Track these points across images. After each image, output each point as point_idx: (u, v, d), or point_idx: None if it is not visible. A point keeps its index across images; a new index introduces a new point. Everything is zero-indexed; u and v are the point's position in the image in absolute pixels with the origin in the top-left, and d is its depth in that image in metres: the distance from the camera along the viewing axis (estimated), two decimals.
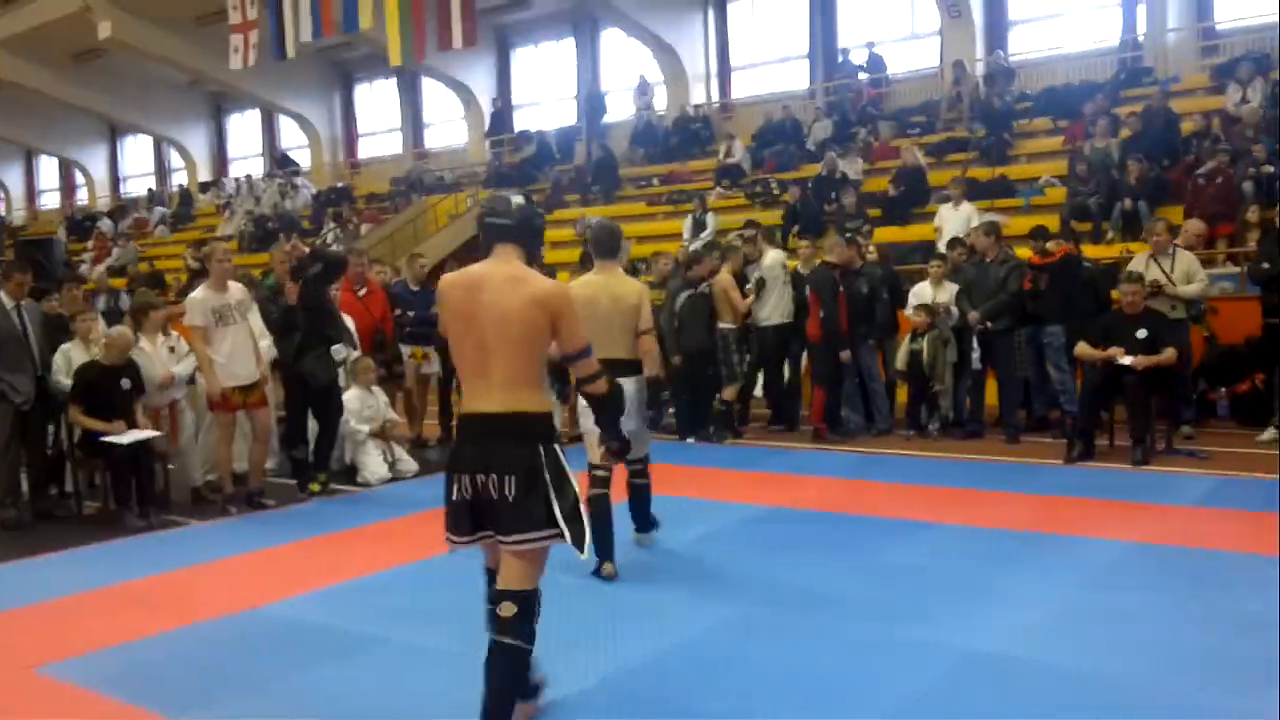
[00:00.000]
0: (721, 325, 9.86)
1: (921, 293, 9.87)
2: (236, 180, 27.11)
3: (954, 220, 12.11)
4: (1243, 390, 9.33)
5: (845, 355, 9.69)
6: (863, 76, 19.00)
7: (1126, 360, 8.10)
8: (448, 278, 3.85)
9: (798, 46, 21.06)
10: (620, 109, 22.22)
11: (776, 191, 16.26)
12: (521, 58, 25.11)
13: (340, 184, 25.56)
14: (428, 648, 4.84)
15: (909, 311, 9.82)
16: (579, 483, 3.68)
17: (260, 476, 8.21)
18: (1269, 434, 8.58)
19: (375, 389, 9.13)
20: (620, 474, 6.02)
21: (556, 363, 3.88)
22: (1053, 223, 11.91)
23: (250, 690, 4.46)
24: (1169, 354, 8.15)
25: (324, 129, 27.73)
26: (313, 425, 8.41)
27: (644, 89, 21.51)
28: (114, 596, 5.93)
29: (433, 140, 26.72)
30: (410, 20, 17.16)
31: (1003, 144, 15.44)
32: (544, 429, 3.59)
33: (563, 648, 4.63)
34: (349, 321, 9.06)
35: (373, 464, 8.80)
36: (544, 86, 24.56)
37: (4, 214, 33.36)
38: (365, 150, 28.18)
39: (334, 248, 14.89)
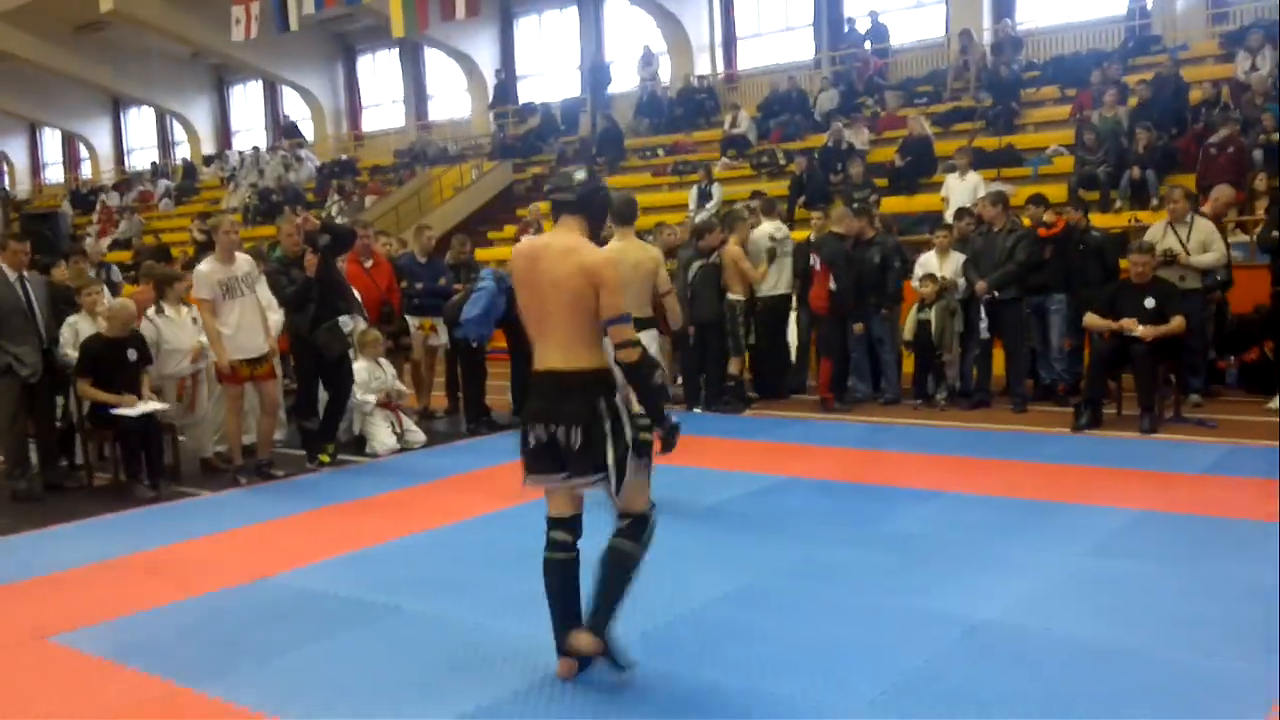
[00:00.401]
0: (730, 296, 9.83)
1: (927, 263, 9.84)
2: (240, 153, 27.05)
3: (960, 190, 12.06)
4: (1252, 359, 9.32)
5: (859, 327, 9.68)
6: (867, 46, 18.88)
7: (1136, 330, 8.09)
8: (516, 248, 4.27)
9: (803, 16, 20.93)
10: (625, 79, 22.12)
11: (783, 162, 16.21)
12: (525, 28, 24.97)
13: (344, 156, 25.50)
14: (440, 617, 4.87)
15: (915, 282, 9.80)
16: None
17: (269, 448, 8.23)
18: (1277, 402, 8.56)
19: (383, 360, 9.15)
20: None
21: None
22: (1060, 192, 11.91)
23: (263, 659, 4.48)
24: (1177, 323, 8.13)
25: (327, 101, 27.65)
26: (321, 395, 8.45)
27: (648, 59, 21.38)
28: (126, 567, 5.97)
29: (436, 112, 26.64)
30: None
31: (1010, 113, 15.35)
32: (603, 383, 3.94)
33: None
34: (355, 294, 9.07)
35: (381, 435, 8.82)
36: (548, 57, 24.44)
37: (8, 187, 33.35)
38: (368, 122, 28.10)
39: (339, 220, 14.92)
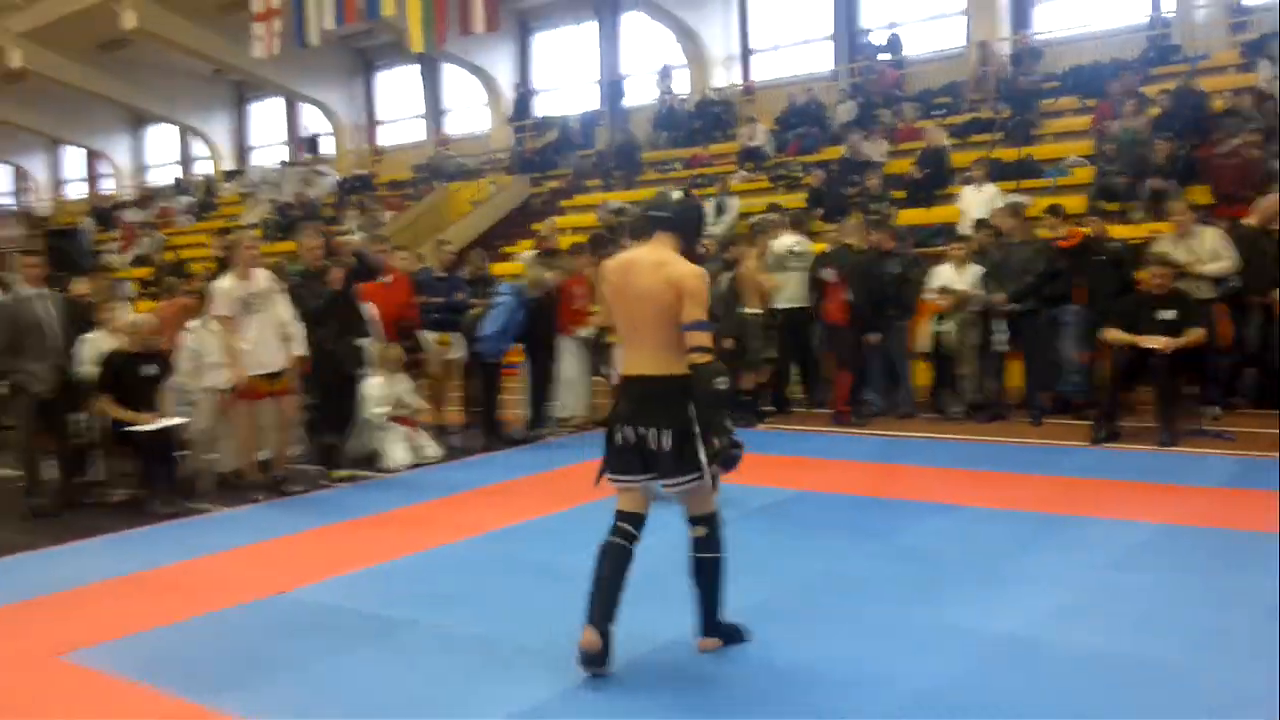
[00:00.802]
0: (744, 310, 9.78)
1: (943, 274, 9.80)
2: (260, 169, 27.20)
3: (977, 201, 12.02)
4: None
5: (875, 338, 9.64)
6: (885, 58, 18.85)
7: (1155, 344, 8.02)
8: (608, 262, 4.60)
9: (820, 28, 20.93)
10: (642, 93, 22.16)
11: (800, 175, 16.17)
12: (542, 42, 25.06)
13: (362, 171, 25.61)
14: (457, 632, 4.86)
15: (929, 295, 9.76)
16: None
17: (285, 463, 8.26)
18: None
19: (399, 375, 9.16)
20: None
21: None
22: (1079, 203, 11.85)
23: (280, 675, 4.49)
24: (1195, 334, 8.07)
25: (346, 116, 27.78)
26: None
27: (666, 73, 21.42)
28: (142, 582, 5.98)
29: (454, 127, 26.72)
30: (432, 6, 17.14)
31: (1028, 124, 15.28)
32: (689, 388, 4.14)
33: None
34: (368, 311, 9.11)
35: (397, 450, 8.83)
36: (565, 71, 24.50)
37: (30, 204, 33.63)
38: (387, 137, 28.21)
39: (357, 236, 14.95)
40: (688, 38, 21.49)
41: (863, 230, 9.97)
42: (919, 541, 5.98)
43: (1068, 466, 7.57)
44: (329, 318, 8.22)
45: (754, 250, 9.96)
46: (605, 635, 4.13)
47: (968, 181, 12.75)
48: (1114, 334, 8.36)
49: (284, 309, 8.10)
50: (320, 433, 8.63)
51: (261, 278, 7.90)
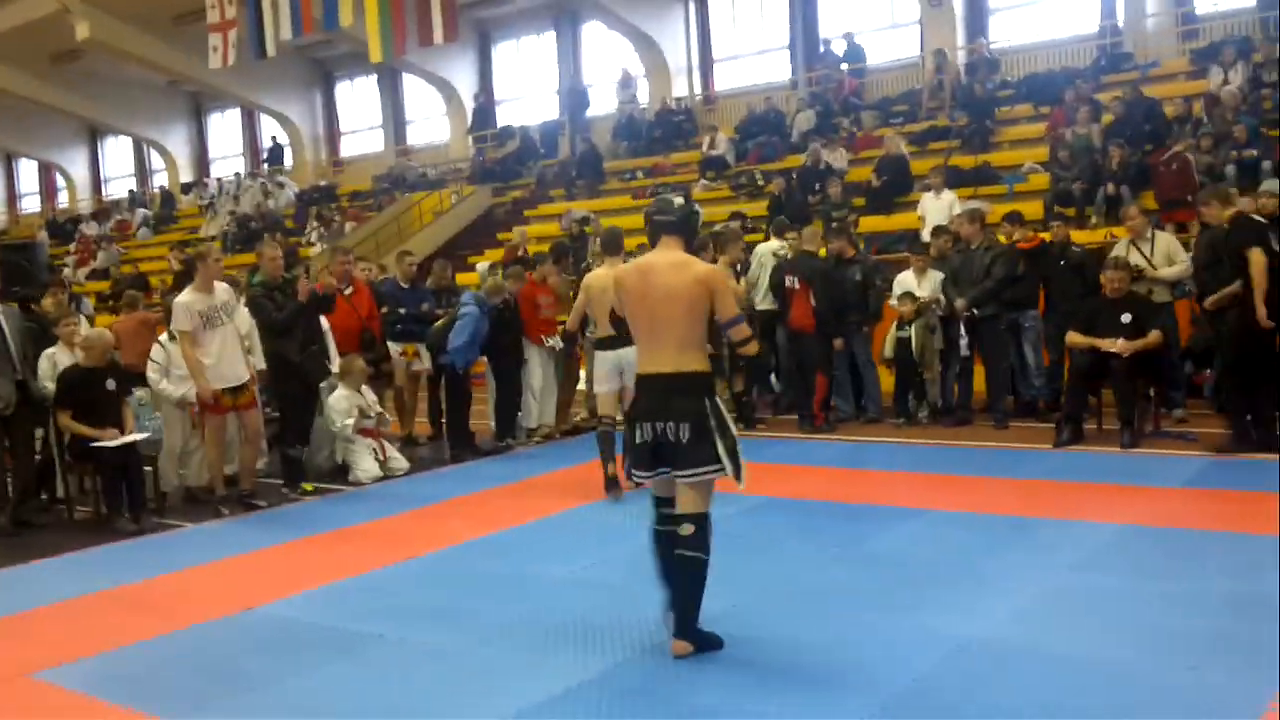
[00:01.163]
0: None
1: (905, 281, 9.89)
2: (219, 180, 26.98)
3: (936, 208, 12.15)
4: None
5: (839, 343, 9.68)
6: (844, 67, 19.02)
7: (1113, 346, 8.14)
8: (623, 267, 4.99)
9: (779, 38, 21.08)
10: (603, 103, 22.19)
11: (761, 183, 16.28)
12: (503, 52, 25.06)
13: (323, 182, 25.47)
14: (425, 645, 4.85)
15: (893, 301, 9.85)
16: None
17: (252, 477, 8.18)
18: None
19: (364, 388, 9.12)
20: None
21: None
22: (1036, 209, 12.01)
23: (248, 691, 4.46)
24: (1153, 336, 8.21)
25: (306, 127, 27.61)
26: None
27: (626, 82, 21.48)
28: (109, 600, 5.92)
29: (415, 137, 26.65)
30: (390, 16, 17.07)
31: (985, 131, 15.48)
32: (707, 384, 4.45)
33: (557, 640, 4.67)
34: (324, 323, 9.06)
35: (364, 463, 8.78)
36: (526, 81, 24.51)
37: None
38: (347, 148, 28.08)
39: (317, 248, 14.87)
40: (647, 47, 21.57)
41: (819, 238, 10.04)
42: (886, 546, 6.02)
43: (1032, 469, 7.66)
44: (294, 329, 8.16)
45: (725, 259, 9.95)
46: (692, 638, 4.39)
47: (927, 189, 12.88)
48: (1074, 337, 8.48)
49: (244, 322, 8.05)
50: (285, 445, 8.56)
51: (221, 291, 7.82)
